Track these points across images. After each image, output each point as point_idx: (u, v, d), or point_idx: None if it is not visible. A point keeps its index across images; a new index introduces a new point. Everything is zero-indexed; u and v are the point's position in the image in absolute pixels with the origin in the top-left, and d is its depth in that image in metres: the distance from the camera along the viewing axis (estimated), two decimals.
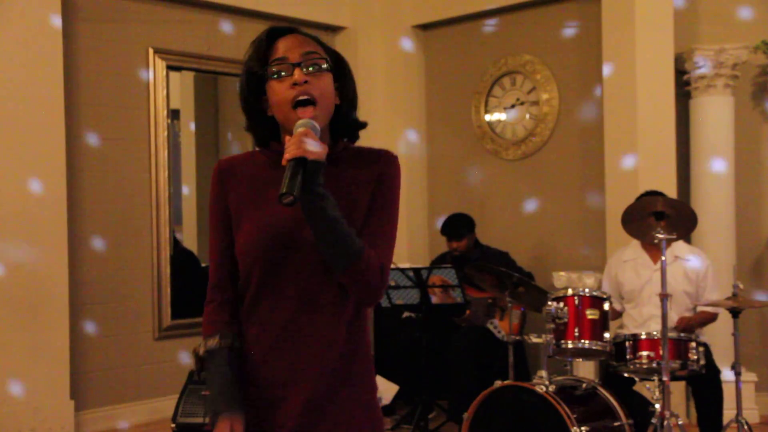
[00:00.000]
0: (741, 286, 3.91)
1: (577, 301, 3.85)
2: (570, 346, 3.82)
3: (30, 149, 4.78)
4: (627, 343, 3.90)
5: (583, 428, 3.46)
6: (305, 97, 1.67)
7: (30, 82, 4.79)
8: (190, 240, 6.15)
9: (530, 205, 5.96)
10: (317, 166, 1.58)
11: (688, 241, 4.72)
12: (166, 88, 5.58)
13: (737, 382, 3.90)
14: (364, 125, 1.83)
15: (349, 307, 1.71)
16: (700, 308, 4.28)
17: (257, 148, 1.81)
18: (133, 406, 5.39)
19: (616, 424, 3.66)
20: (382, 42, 6.35)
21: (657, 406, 3.71)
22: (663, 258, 3.70)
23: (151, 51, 5.52)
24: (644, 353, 3.86)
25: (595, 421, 3.57)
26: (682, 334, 3.93)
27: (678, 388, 4.83)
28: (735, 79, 5.19)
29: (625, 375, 4.01)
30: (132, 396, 5.39)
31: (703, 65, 5.12)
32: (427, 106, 6.50)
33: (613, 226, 4.95)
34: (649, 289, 4.25)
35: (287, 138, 1.64)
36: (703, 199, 5.16)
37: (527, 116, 6.03)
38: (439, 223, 5.57)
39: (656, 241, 3.74)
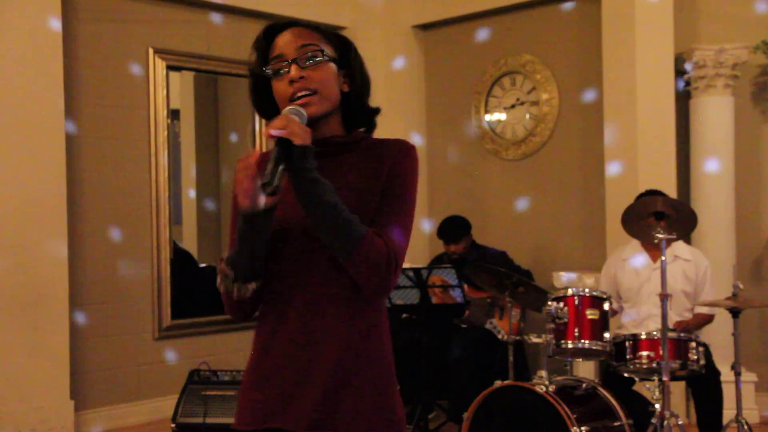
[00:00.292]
0: (741, 286, 3.90)
1: (577, 301, 3.85)
2: (570, 346, 3.82)
3: (30, 149, 4.78)
4: (627, 343, 3.90)
5: (583, 428, 3.46)
6: (303, 92, 1.67)
7: (30, 82, 4.79)
8: (190, 240, 6.15)
9: (530, 205, 5.96)
10: (304, 150, 1.56)
11: (688, 241, 4.72)
12: (166, 88, 5.58)
13: (737, 382, 3.90)
14: (376, 111, 1.81)
15: (363, 305, 1.69)
16: (697, 309, 4.28)
17: None
18: (133, 406, 5.39)
19: (615, 424, 3.66)
20: (382, 42, 6.35)
21: (657, 406, 3.71)
22: (663, 258, 3.70)
23: (151, 51, 5.52)
24: (644, 353, 3.85)
25: (594, 421, 3.57)
26: (682, 334, 3.92)
27: (678, 388, 4.83)
28: (735, 79, 5.19)
29: (625, 375, 4.01)
30: (132, 396, 5.39)
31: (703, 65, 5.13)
32: (427, 106, 6.50)
33: (613, 226, 4.95)
34: (647, 288, 4.25)
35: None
36: (703, 199, 5.16)
37: (527, 116, 6.03)
38: (438, 223, 5.57)
39: (656, 241, 3.74)
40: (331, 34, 1.77)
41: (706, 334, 4.37)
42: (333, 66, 1.72)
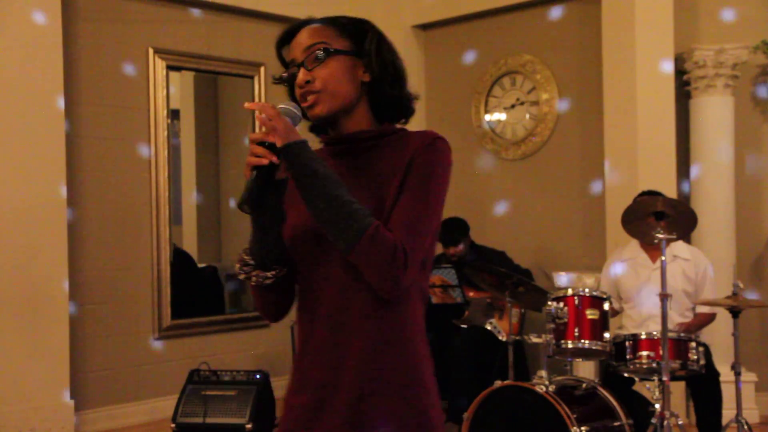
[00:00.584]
0: (741, 285, 3.90)
1: (577, 301, 3.84)
2: (570, 346, 3.82)
3: (30, 149, 4.78)
4: (627, 343, 3.89)
5: (582, 428, 3.46)
6: (309, 95, 1.65)
7: (30, 82, 4.79)
8: (190, 240, 6.15)
9: (530, 205, 5.96)
10: (290, 148, 1.54)
11: (688, 241, 4.72)
12: (166, 88, 5.58)
13: (737, 382, 3.90)
14: (407, 98, 1.72)
15: (387, 309, 1.62)
16: (698, 309, 4.28)
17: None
18: (133, 406, 5.39)
19: (615, 424, 3.66)
20: None
21: (657, 406, 3.71)
22: (663, 258, 3.70)
23: (151, 51, 5.52)
24: (644, 353, 3.85)
25: (594, 421, 3.57)
26: (682, 334, 3.92)
27: (678, 388, 4.83)
28: (735, 79, 5.19)
29: (625, 375, 4.01)
30: (132, 396, 5.39)
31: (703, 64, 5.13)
32: (427, 107, 6.50)
33: (613, 226, 4.95)
34: (647, 288, 4.25)
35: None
36: (703, 199, 5.16)
37: (527, 116, 6.03)
38: None
39: (656, 241, 3.74)
40: (348, 24, 1.70)
41: (706, 334, 4.37)
42: (345, 59, 1.66)
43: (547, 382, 3.63)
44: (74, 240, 5.05)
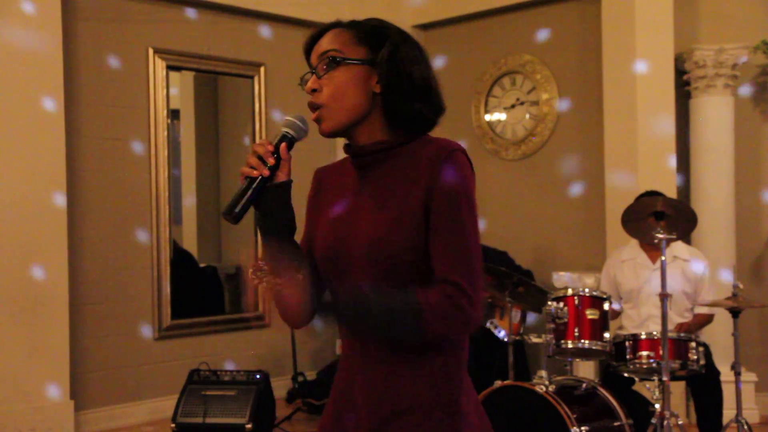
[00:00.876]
0: (741, 286, 3.90)
1: (577, 301, 3.84)
2: (570, 346, 3.82)
3: (30, 149, 4.78)
4: (627, 343, 3.90)
5: (582, 428, 3.46)
6: (314, 104, 1.63)
7: (30, 82, 4.78)
8: (190, 240, 6.15)
9: (530, 205, 5.96)
10: (328, 308, 1.58)
11: (688, 241, 4.72)
12: (166, 88, 5.58)
13: (737, 382, 3.90)
14: (421, 112, 1.65)
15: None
16: (697, 309, 4.28)
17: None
18: (133, 406, 5.39)
19: (615, 424, 3.66)
20: None
21: (657, 406, 3.71)
22: (663, 258, 3.70)
23: (151, 51, 5.51)
24: (644, 353, 3.85)
25: (594, 421, 3.57)
26: (682, 334, 3.92)
27: (678, 388, 4.83)
28: (735, 79, 5.19)
29: (625, 375, 4.01)
30: (132, 396, 5.39)
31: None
32: None
33: (613, 226, 4.95)
34: (647, 289, 4.25)
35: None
36: (703, 199, 5.16)
37: (527, 116, 6.03)
38: None
39: (656, 241, 3.74)
40: (369, 31, 1.64)
41: (706, 334, 4.37)
42: (356, 69, 1.60)
43: (547, 382, 3.63)
44: (74, 240, 5.05)
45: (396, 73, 1.61)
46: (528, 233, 5.93)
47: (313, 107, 1.62)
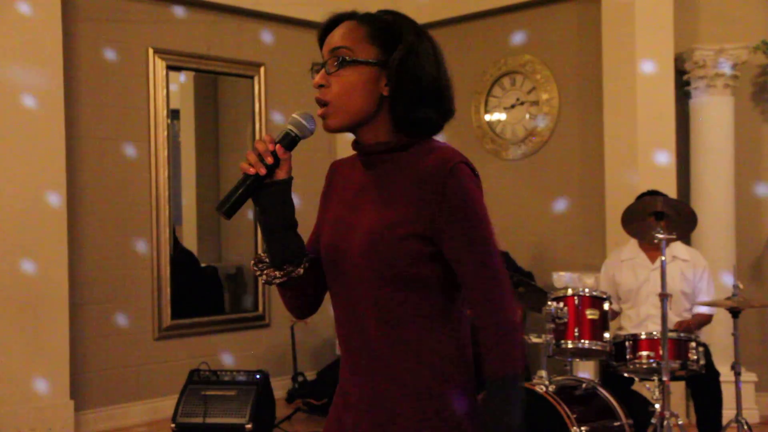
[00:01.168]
0: (741, 286, 3.90)
1: (577, 301, 3.84)
2: (570, 346, 3.82)
3: (30, 149, 4.78)
4: (627, 343, 3.89)
5: (582, 428, 3.45)
6: (321, 100, 1.62)
7: (30, 81, 4.78)
8: (190, 240, 6.16)
9: (530, 205, 5.96)
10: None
11: (688, 241, 4.72)
12: (166, 88, 5.58)
13: (737, 382, 3.90)
14: (426, 118, 1.61)
15: (408, 321, 1.59)
16: (696, 309, 4.28)
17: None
18: (133, 406, 5.39)
19: (615, 424, 3.66)
20: None
21: (657, 406, 3.71)
22: (662, 258, 3.70)
23: (151, 51, 5.52)
24: (644, 353, 3.85)
25: (594, 421, 3.57)
26: (682, 334, 3.92)
27: (678, 388, 4.83)
28: (735, 79, 5.19)
29: (625, 375, 4.01)
30: (132, 396, 5.40)
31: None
32: None
33: (613, 226, 4.95)
34: (646, 288, 4.25)
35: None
36: (703, 199, 5.16)
37: (527, 116, 6.03)
38: None
39: (656, 241, 3.74)
40: (384, 28, 1.60)
41: (706, 334, 4.37)
42: (365, 69, 1.58)
43: (547, 382, 3.63)
44: (74, 240, 5.05)
45: (406, 79, 1.58)
46: (528, 233, 5.93)
47: (320, 103, 1.62)
